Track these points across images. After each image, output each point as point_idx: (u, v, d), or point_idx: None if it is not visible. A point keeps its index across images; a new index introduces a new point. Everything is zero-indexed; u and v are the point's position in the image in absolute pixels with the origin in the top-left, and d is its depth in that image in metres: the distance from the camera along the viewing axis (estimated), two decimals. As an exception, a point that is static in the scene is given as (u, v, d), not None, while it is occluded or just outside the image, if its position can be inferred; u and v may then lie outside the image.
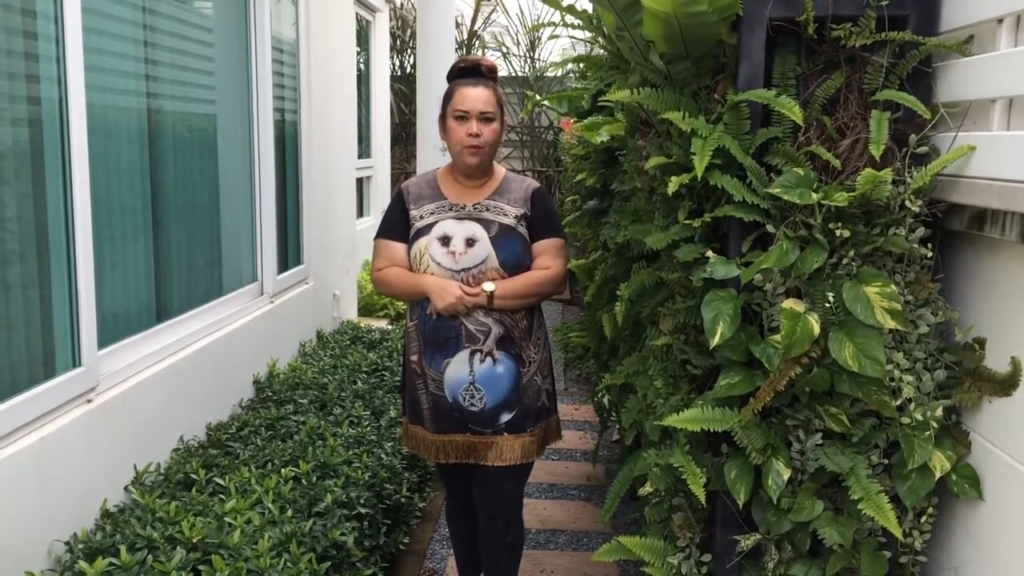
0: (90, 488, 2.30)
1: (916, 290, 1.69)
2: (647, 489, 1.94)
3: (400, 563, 3.02)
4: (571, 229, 3.54)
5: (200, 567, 2.00)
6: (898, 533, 1.59)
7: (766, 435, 1.70)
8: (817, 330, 1.59)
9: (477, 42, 9.26)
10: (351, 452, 2.74)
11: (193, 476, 2.51)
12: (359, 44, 6.80)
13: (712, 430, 1.70)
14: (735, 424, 1.69)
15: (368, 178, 7.43)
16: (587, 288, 3.04)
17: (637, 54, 1.91)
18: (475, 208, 2.35)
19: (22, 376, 2.17)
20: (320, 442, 2.81)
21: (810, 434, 1.69)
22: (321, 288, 4.62)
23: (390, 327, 4.85)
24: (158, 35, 2.94)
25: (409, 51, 9.08)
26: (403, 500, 2.87)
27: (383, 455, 2.86)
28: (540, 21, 7.67)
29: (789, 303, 1.64)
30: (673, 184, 1.70)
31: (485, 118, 2.29)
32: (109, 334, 2.54)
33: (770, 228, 1.71)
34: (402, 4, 8.94)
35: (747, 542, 1.74)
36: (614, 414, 3.05)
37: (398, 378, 3.58)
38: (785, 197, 1.65)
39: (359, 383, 3.53)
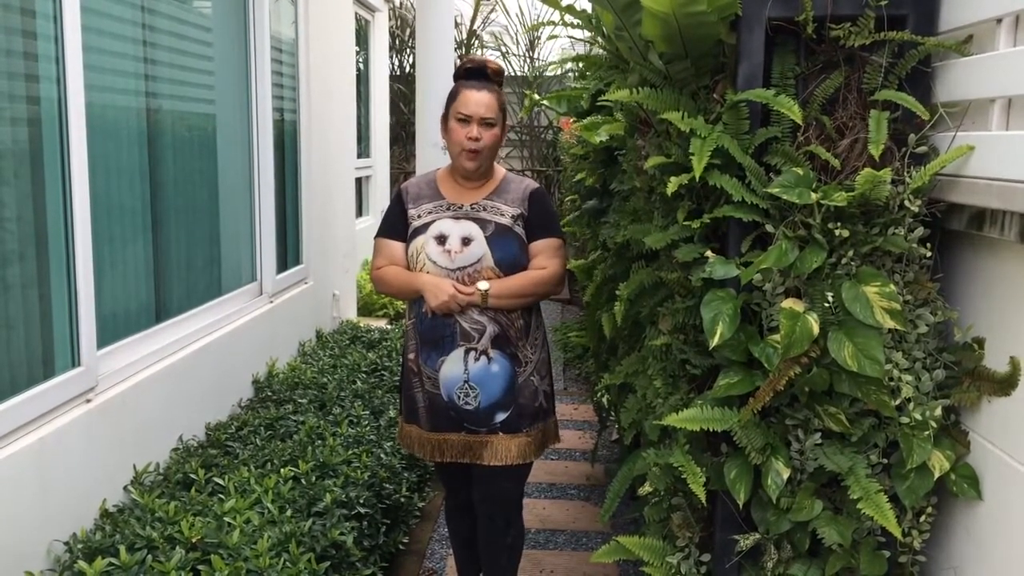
0: (89, 488, 2.29)
1: (915, 290, 1.70)
2: (646, 489, 1.94)
3: (399, 563, 3.02)
4: (570, 229, 3.54)
5: (199, 567, 2.00)
6: (897, 533, 1.59)
7: (765, 435, 1.70)
8: (816, 330, 1.59)
9: (476, 41, 9.26)
10: (350, 452, 2.74)
11: (192, 476, 2.51)
12: (358, 44, 6.80)
13: (711, 430, 1.70)
14: (734, 424, 1.69)
15: (367, 178, 7.43)
16: (586, 288, 3.04)
17: (636, 54, 1.91)
18: (472, 208, 2.35)
19: (21, 376, 2.17)
20: (319, 442, 2.81)
21: (809, 434, 1.69)
22: (320, 288, 4.62)
23: (389, 327, 4.85)
24: (157, 35, 2.94)
25: (408, 51, 9.07)
26: (402, 500, 2.87)
27: (382, 455, 2.86)
28: (539, 21, 7.67)
29: (788, 303, 1.64)
30: (672, 184, 1.70)
31: (486, 123, 2.30)
32: (108, 334, 2.54)
33: (769, 228, 1.71)
34: (401, 3, 8.94)
35: (746, 542, 1.74)
36: (613, 414, 3.05)
37: (397, 378, 3.59)
38: (784, 197, 1.65)
39: (358, 383, 3.53)
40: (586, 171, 3.14)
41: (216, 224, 3.45)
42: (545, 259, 2.37)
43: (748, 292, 1.74)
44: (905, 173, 1.67)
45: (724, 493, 1.76)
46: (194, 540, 2.07)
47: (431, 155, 4.64)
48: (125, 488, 2.46)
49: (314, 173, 4.48)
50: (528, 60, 9.12)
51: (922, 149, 1.69)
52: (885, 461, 1.69)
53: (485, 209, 2.35)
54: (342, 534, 2.30)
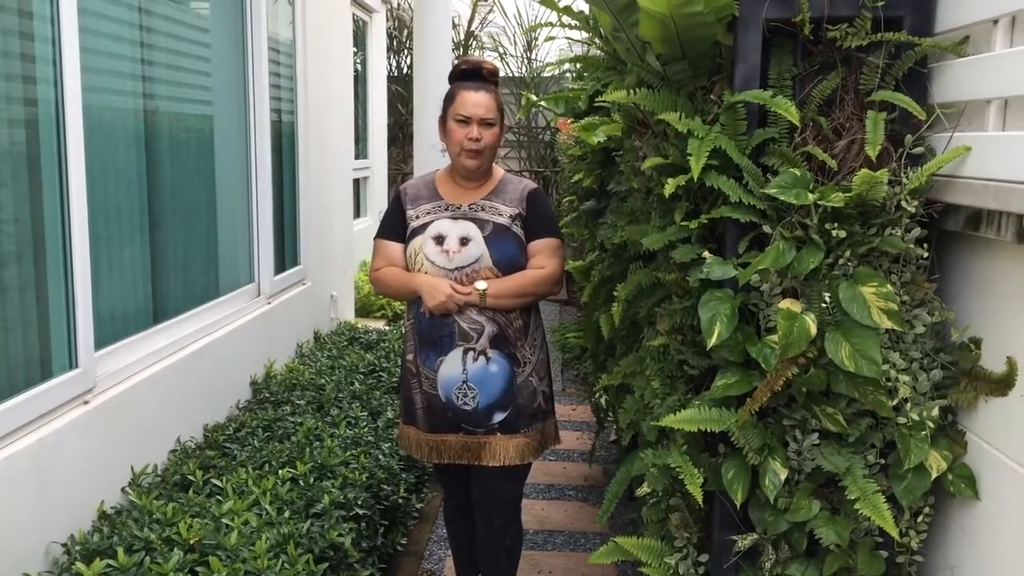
0: (87, 489, 2.29)
1: (912, 290, 1.70)
2: (644, 489, 1.94)
3: (398, 564, 3.02)
4: (568, 230, 3.54)
5: (197, 568, 2.00)
6: (895, 533, 1.59)
7: (763, 435, 1.70)
8: (814, 330, 1.59)
9: (474, 42, 9.25)
10: (348, 453, 2.74)
11: (190, 477, 2.51)
12: (356, 45, 6.80)
13: (709, 430, 1.71)
14: (732, 424, 1.69)
15: (365, 179, 7.43)
16: (584, 288, 3.04)
17: (634, 55, 1.92)
18: (470, 208, 2.35)
19: (19, 377, 2.17)
20: (317, 443, 2.81)
21: (807, 434, 1.70)
22: (318, 289, 4.62)
23: (387, 328, 4.85)
24: (155, 36, 2.93)
25: (406, 52, 9.07)
26: (401, 501, 2.87)
27: (380, 456, 2.86)
28: (537, 22, 7.68)
29: (786, 303, 1.64)
30: (670, 185, 1.70)
31: (486, 123, 2.30)
32: (106, 335, 2.54)
33: (767, 228, 1.71)
34: (399, 5, 8.94)
35: (744, 542, 1.74)
36: (611, 414, 3.05)
37: (395, 379, 3.59)
38: (781, 198, 1.65)
39: (356, 384, 3.53)
40: (584, 172, 3.14)
41: (214, 225, 3.45)
42: (543, 259, 2.37)
43: (745, 292, 1.74)
44: (902, 174, 1.67)
45: (722, 494, 1.76)
46: (192, 542, 2.07)
47: (429, 156, 4.63)
48: (123, 489, 2.46)
49: (312, 174, 4.48)
50: (526, 61, 9.12)
51: (919, 150, 1.70)
52: (882, 461, 1.70)
53: (483, 209, 2.35)
54: (340, 535, 2.30)
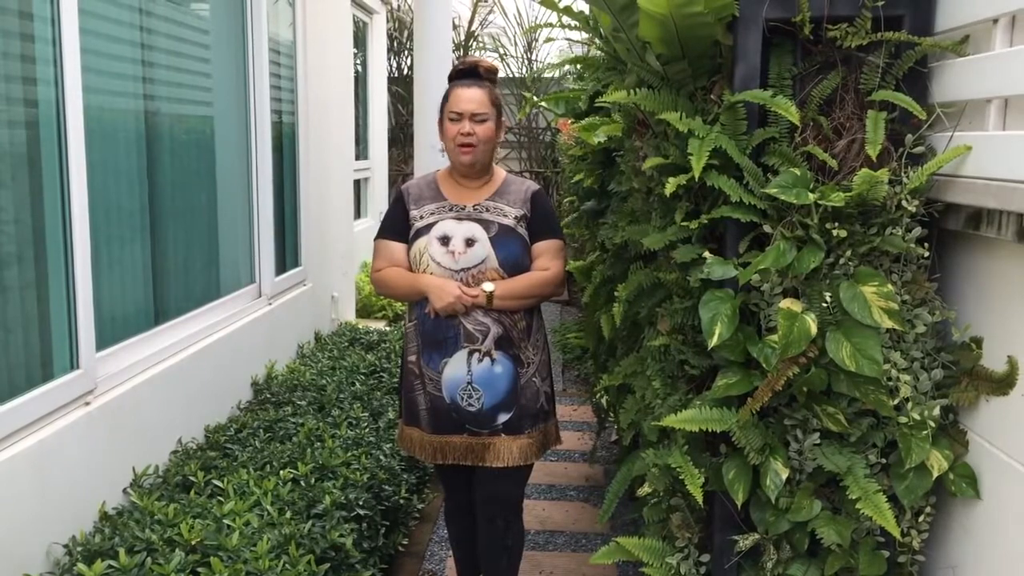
0: (88, 490, 2.29)
1: (913, 289, 1.70)
2: (645, 490, 1.94)
3: (399, 564, 3.02)
4: (569, 230, 3.54)
5: (199, 569, 2.00)
6: (896, 532, 1.59)
7: (764, 435, 1.70)
8: (814, 330, 1.59)
9: (474, 43, 9.25)
10: (350, 454, 2.74)
11: (192, 478, 2.51)
12: (356, 46, 6.80)
13: (710, 430, 1.71)
14: (733, 424, 1.69)
15: (366, 179, 7.43)
16: (585, 289, 3.04)
17: (634, 55, 1.92)
18: (475, 209, 2.35)
19: (20, 379, 2.17)
20: (319, 444, 2.81)
21: (808, 434, 1.70)
22: (319, 290, 4.62)
23: (388, 328, 4.85)
24: (155, 37, 2.94)
25: (406, 53, 9.07)
26: (402, 501, 2.87)
27: (382, 456, 2.86)
28: (537, 22, 7.69)
29: (786, 303, 1.64)
30: (671, 185, 1.70)
31: (477, 118, 2.30)
32: (107, 336, 2.54)
33: (767, 228, 1.71)
34: (399, 6, 8.94)
35: (745, 542, 1.74)
36: (612, 415, 3.05)
37: (396, 380, 3.58)
38: (782, 197, 1.65)
39: (357, 384, 3.53)
40: (584, 172, 3.14)
41: (214, 226, 3.45)
42: (548, 260, 2.37)
43: (746, 292, 1.74)
44: (902, 173, 1.68)
45: (723, 494, 1.76)
46: (193, 542, 2.07)
47: (429, 157, 4.64)
48: (124, 490, 2.46)
49: (312, 175, 4.48)
50: (526, 62, 9.12)
51: (919, 149, 1.70)
52: (884, 461, 1.70)
53: (488, 210, 2.35)
54: (341, 536, 2.30)
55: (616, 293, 2.20)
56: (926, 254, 1.69)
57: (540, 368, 2.41)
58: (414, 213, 2.38)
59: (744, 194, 1.70)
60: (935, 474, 1.64)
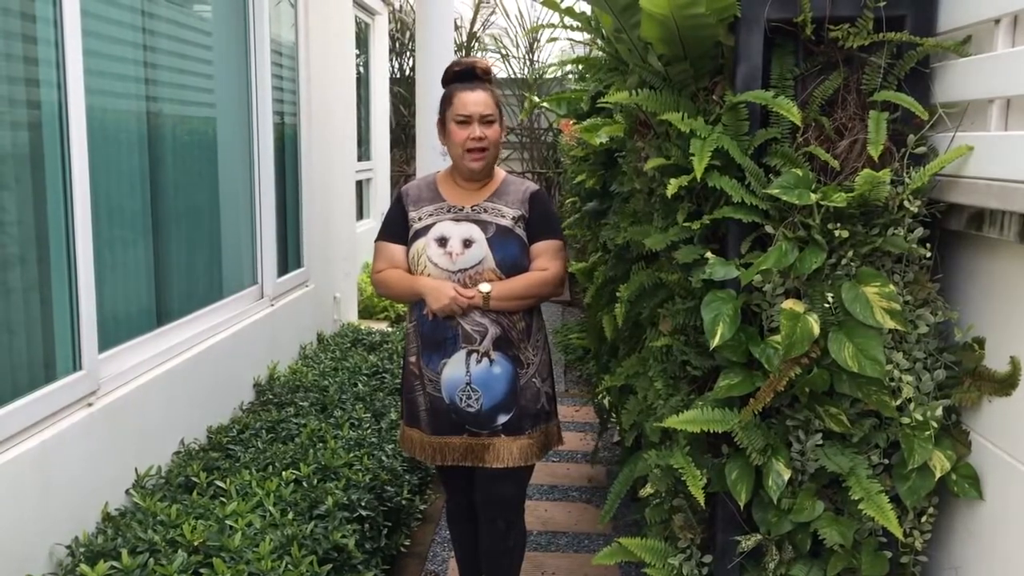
0: (91, 491, 2.30)
1: (915, 290, 1.70)
2: (648, 490, 1.94)
3: (401, 565, 3.02)
4: (571, 231, 3.54)
5: (201, 570, 2.00)
6: (898, 533, 1.59)
7: (766, 436, 1.70)
8: (817, 330, 1.59)
9: (476, 44, 9.26)
10: (352, 454, 2.75)
11: (194, 479, 2.51)
12: (358, 47, 6.81)
13: (712, 431, 1.70)
14: (735, 425, 1.69)
15: (368, 180, 7.44)
16: (587, 290, 3.04)
17: (635, 56, 1.92)
18: (473, 210, 2.35)
19: (23, 380, 2.17)
20: (321, 445, 2.81)
21: (810, 434, 1.70)
22: (321, 291, 4.63)
23: (390, 329, 4.85)
24: (157, 39, 2.94)
25: (408, 54, 9.08)
26: (404, 502, 2.87)
27: (384, 457, 2.87)
28: (539, 23, 7.68)
29: (789, 304, 1.64)
30: (672, 186, 1.70)
31: (487, 121, 2.31)
32: (110, 337, 2.54)
33: (769, 229, 1.71)
34: (401, 7, 8.95)
35: (748, 543, 1.74)
36: (614, 415, 3.05)
37: (398, 380, 3.59)
38: (784, 198, 1.65)
39: (360, 385, 3.53)
40: (586, 173, 3.14)
41: (217, 227, 3.45)
42: (546, 260, 2.37)
43: (748, 293, 1.74)
44: (904, 174, 1.67)
45: (725, 494, 1.76)
46: (196, 543, 2.07)
47: (432, 158, 4.64)
48: (127, 491, 2.46)
49: (314, 176, 4.48)
50: (528, 62, 9.12)
51: (921, 150, 1.69)
52: (886, 461, 1.69)
53: (486, 211, 2.35)
54: (344, 537, 2.30)
55: (618, 294, 2.19)
56: (928, 255, 1.69)
57: (540, 369, 2.41)
58: (413, 214, 2.38)
59: (746, 195, 1.70)
60: (938, 475, 1.63)
